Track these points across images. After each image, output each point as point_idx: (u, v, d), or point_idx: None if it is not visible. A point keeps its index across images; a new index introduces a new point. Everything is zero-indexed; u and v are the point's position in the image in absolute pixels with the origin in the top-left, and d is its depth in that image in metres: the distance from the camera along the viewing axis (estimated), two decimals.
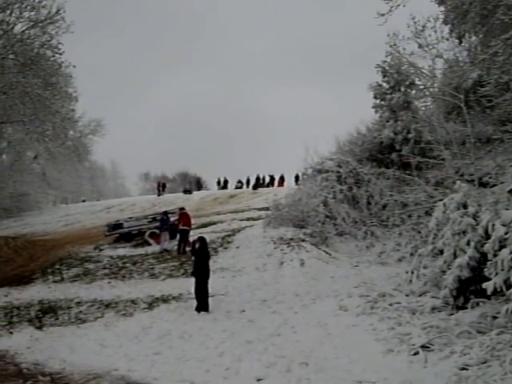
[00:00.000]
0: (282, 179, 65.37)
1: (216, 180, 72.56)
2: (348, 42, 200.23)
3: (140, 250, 29.90)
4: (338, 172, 29.83)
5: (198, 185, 72.62)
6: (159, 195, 61.67)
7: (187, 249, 27.52)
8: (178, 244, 29.08)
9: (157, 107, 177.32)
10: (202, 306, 18.33)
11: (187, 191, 66.50)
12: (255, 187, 60.73)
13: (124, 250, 30.44)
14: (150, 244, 30.89)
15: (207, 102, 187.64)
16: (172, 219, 32.35)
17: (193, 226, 31.32)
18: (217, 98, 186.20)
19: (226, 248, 26.99)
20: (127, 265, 26.93)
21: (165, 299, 20.46)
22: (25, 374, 13.78)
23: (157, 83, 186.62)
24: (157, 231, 31.15)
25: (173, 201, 54.11)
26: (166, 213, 31.96)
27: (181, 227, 29.70)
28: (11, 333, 18.41)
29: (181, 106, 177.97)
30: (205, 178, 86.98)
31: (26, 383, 12.91)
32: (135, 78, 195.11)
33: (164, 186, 67.70)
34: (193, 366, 13.68)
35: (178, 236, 29.72)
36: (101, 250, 31.18)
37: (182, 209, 32.03)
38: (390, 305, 16.71)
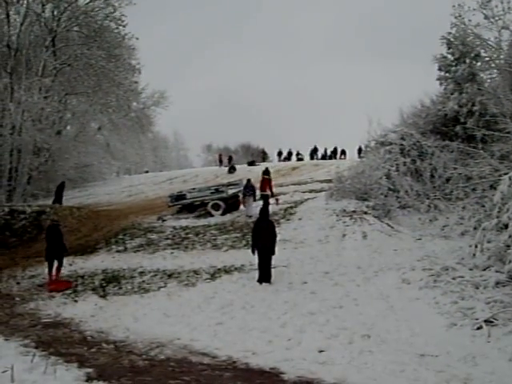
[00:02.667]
0: (343, 152, 65.05)
1: (277, 151, 72.41)
2: (401, 17, 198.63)
3: (203, 221, 30.00)
4: (402, 145, 29.46)
5: (263, 156, 72.39)
6: (228, 168, 61.90)
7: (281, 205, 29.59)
8: (262, 207, 28.97)
9: (219, 80, 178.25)
10: (265, 277, 18.34)
11: (252, 163, 66.62)
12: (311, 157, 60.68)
13: (187, 221, 30.60)
14: (212, 215, 30.97)
15: (268, 76, 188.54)
16: (234, 190, 32.52)
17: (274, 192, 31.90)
18: (277, 72, 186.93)
19: (288, 220, 26.92)
20: (190, 235, 27.05)
21: (227, 270, 20.54)
22: (89, 342, 13.99)
23: (219, 56, 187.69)
24: (220, 202, 31.24)
25: (235, 172, 54.18)
26: (249, 180, 32.08)
27: (262, 192, 30.59)
28: (76, 301, 18.75)
29: (243, 79, 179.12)
30: (267, 150, 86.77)
31: (91, 350, 13.06)
32: (198, 51, 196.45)
33: (230, 158, 67.86)
34: (255, 336, 13.76)
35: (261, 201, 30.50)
36: (164, 220, 31.39)
37: (265, 174, 32.59)
38: (453, 279, 16.51)
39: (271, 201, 30.91)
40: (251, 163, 65.44)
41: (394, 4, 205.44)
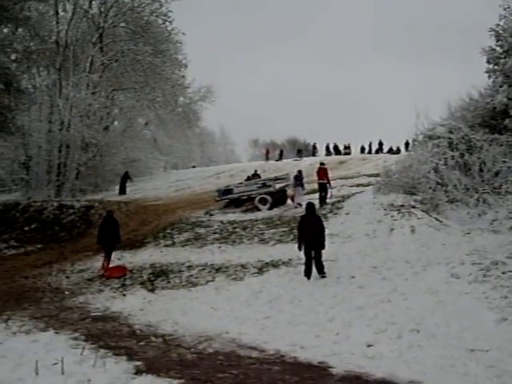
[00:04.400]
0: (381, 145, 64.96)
1: (325, 146, 72.22)
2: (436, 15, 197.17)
3: (250, 216, 30.01)
4: (450, 138, 29.07)
5: (313, 151, 72.25)
6: (296, 154, 62.17)
7: (327, 200, 29.48)
8: (319, 197, 29.64)
9: (266, 76, 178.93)
10: (318, 270, 18.22)
11: (300, 151, 66.75)
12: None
13: (234, 216, 30.64)
14: (259, 209, 30.97)
15: (314, 72, 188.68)
16: (281, 184, 32.53)
17: (331, 181, 31.71)
18: (323, 69, 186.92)
19: (335, 214, 26.75)
20: (237, 230, 27.07)
21: (274, 264, 20.44)
22: (138, 335, 14.07)
23: (267, 53, 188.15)
24: (267, 197, 31.24)
25: (282, 167, 54.17)
26: (300, 171, 32.33)
27: (319, 181, 30.38)
28: (124, 295, 18.89)
29: (289, 75, 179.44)
30: (310, 145, 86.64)
31: (139, 344, 13.14)
32: (246, 47, 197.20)
33: (281, 152, 67.98)
34: (303, 330, 13.68)
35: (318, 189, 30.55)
36: (211, 215, 31.50)
37: (322, 164, 32.24)
38: (503, 273, 16.24)
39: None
40: (299, 151, 65.64)
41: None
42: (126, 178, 48.66)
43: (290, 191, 31.30)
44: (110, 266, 22.41)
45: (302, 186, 31.40)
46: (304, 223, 18.79)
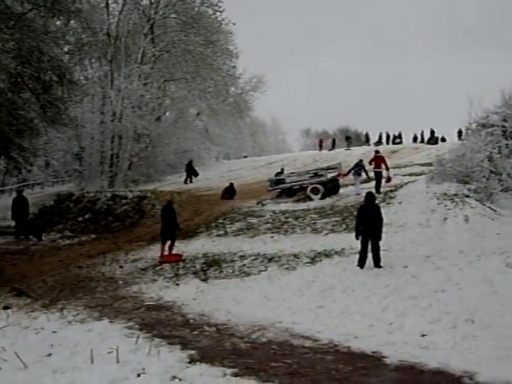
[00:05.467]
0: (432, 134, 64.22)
1: (378, 135, 71.65)
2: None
3: (302, 205, 29.90)
4: (504, 126, 28.57)
5: (366, 140, 71.79)
6: (328, 151, 61.97)
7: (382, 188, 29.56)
8: (376, 185, 29.67)
9: (318, 66, 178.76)
10: (375, 262, 18.05)
11: (348, 138, 66.47)
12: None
13: (286, 205, 30.58)
14: (311, 199, 30.84)
15: (364, 63, 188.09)
16: (333, 174, 32.37)
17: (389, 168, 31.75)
18: (373, 61, 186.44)
19: (388, 203, 26.50)
20: (289, 219, 26.98)
21: (327, 254, 20.31)
22: (191, 324, 14.08)
23: (320, 45, 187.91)
24: (319, 186, 31.11)
25: (334, 156, 53.95)
26: (361, 160, 32.40)
27: (375, 170, 30.50)
28: (178, 284, 18.93)
29: (340, 66, 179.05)
30: (361, 134, 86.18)
31: (193, 333, 13.16)
32: (298, 38, 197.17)
33: (334, 141, 67.75)
34: (356, 320, 13.57)
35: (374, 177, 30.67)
36: (263, 204, 31.48)
37: (377, 152, 32.37)
38: None
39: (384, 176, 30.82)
40: (348, 138, 65.36)
41: None
42: (190, 167, 49.20)
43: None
44: (166, 253, 22.74)
45: (360, 175, 31.25)
46: (362, 213, 18.64)
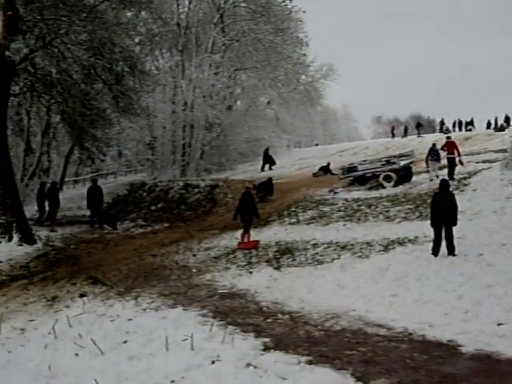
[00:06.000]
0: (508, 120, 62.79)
1: (453, 122, 70.45)
2: None
3: (374, 193, 29.65)
4: None
5: (441, 127, 70.55)
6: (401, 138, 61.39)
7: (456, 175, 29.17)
8: (449, 172, 29.33)
9: (390, 52, 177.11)
10: (449, 249, 17.75)
11: (419, 125, 65.61)
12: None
13: (358, 193, 30.38)
14: (384, 187, 30.55)
15: (437, 51, 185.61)
16: (406, 161, 32.00)
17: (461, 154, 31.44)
18: (447, 48, 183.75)
19: (462, 191, 26.08)
20: (362, 207, 26.80)
21: (400, 242, 20.08)
22: (265, 312, 14.08)
23: (389, 31, 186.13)
24: (392, 174, 30.79)
25: (406, 144, 53.34)
26: (434, 144, 32.07)
27: (448, 156, 30.18)
28: (251, 273, 18.98)
29: (411, 52, 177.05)
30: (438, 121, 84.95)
31: (267, 321, 13.16)
32: (368, 23, 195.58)
33: (406, 129, 67.03)
34: (431, 308, 13.36)
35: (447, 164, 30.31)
36: (335, 192, 31.30)
37: (449, 138, 32.22)
38: None
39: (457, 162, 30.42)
40: (418, 126, 64.54)
41: None
42: (266, 154, 49.45)
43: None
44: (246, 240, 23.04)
45: (437, 160, 30.93)
46: (437, 200, 18.36)
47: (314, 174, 40.22)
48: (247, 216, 23.41)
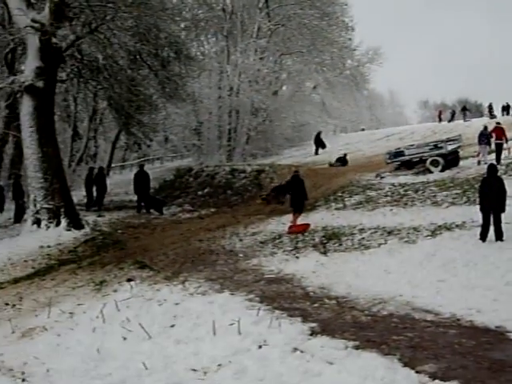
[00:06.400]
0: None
1: (501, 107, 69.20)
2: None
3: (421, 178, 29.34)
4: None
5: (489, 111, 69.26)
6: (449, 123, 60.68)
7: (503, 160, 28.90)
8: (496, 156, 29.14)
9: (437, 37, 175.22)
10: (497, 235, 17.56)
11: (464, 108, 64.76)
12: None
13: (405, 178, 30.08)
14: (431, 171, 30.26)
15: (487, 35, 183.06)
16: (453, 146, 31.65)
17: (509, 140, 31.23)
18: (497, 33, 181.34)
19: (510, 175, 25.72)
20: (409, 192, 26.57)
21: (448, 227, 19.84)
22: (311, 297, 14.08)
23: (435, 14, 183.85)
24: (439, 159, 30.47)
25: (453, 128, 52.74)
26: (485, 127, 31.90)
27: (496, 141, 30.06)
28: (297, 257, 18.95)
29: (459, 36, 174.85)
30: (485, 106, 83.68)
31: (313, 306, 13.16)
32: (414, 6, 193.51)
33: (453, 113, 66.15)
34: (479, 294, 13.27)
35: (494, 149, 30.20)
36: (382, 177, 31.10)
37: (498, 123, 31.96)
38: None
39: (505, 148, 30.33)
40: (464, 109, 63.71)
41: None
42: (318, 138, 49.55)
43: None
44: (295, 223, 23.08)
45: (488, 144, 30.67)
46: (485, 185, 18.16)
47: (331, 165, 39.88)
48: (297, 199, 23.45)
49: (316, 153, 48.93)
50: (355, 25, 59.83)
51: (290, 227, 22.77)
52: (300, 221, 23.35)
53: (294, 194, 23.65)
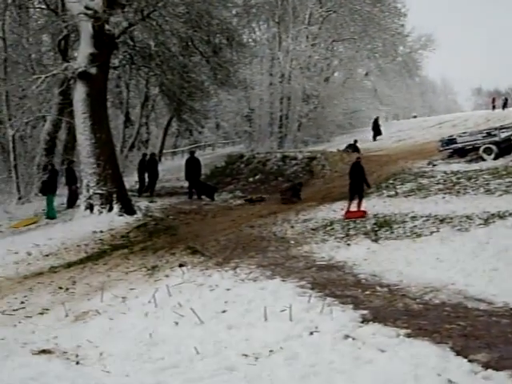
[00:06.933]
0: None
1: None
2: None
3: (474, 166, 28.98)
4: None
5: None
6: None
7: None
8: None
9: (489, 24, 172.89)
10: None
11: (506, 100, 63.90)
12: None
13: (458, 166, 29.72)
14: (484, 159, 29.90)
15: None
16: (507, 134, 31.20)
17: None
18: None
19: None
20: (461, 180, 26.27)
21: (501, 215, 19.50)
22: (363, 284, 14.04)
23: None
24: (492, 146, 30.07)
25: (507, 115, 52.02)
26: None
27: None
28: (349, 245, 18.90)
29: None
30: None
31: (365, 293, 13.12)
32: None
33: (506, 101, 65.23)
34: None
35: None
36: (434, 165, 30.78)
37: None
38: None
39: None
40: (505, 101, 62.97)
41: None
42: (376, 124, 49.50)
43: None
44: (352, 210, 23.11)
45: None
46: None
47: (340, 151, 39.66)
48: (357, 186, 23.42)
49: (374, 139, 48.72)
50: (407, 11, 59.35)
51: (346, 213, 22.79)
52: (353, 208, 23.32)
53: (354, 181, 23.54)
